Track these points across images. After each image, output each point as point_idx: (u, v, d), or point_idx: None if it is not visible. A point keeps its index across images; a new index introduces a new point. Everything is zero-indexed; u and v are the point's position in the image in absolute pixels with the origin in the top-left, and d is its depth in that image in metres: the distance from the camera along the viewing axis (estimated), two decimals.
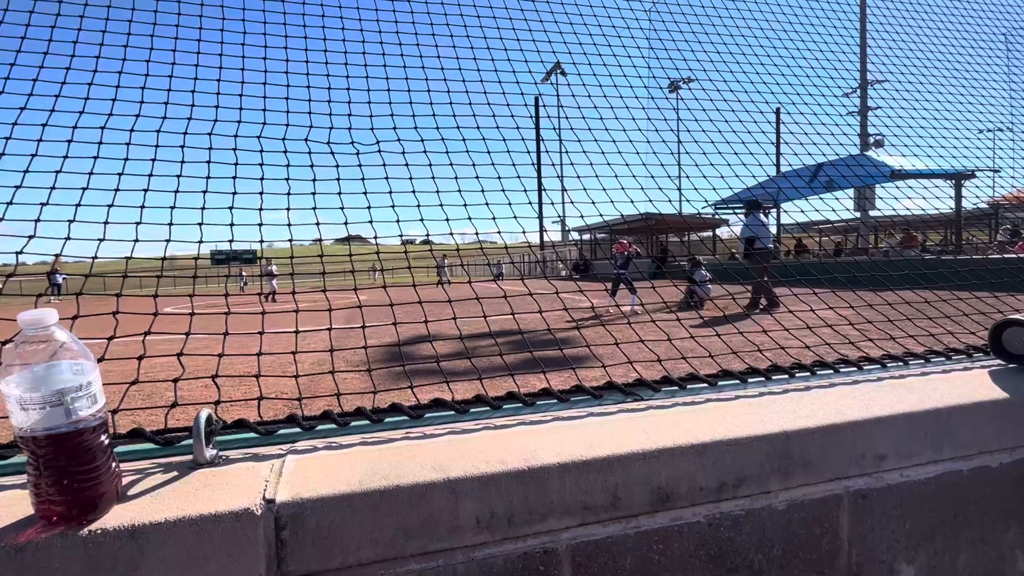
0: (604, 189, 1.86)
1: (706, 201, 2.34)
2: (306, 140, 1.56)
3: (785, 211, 2.66)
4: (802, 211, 2.47)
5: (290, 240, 1.41)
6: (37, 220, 1.17)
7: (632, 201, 1.93)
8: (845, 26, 3.27)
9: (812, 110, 2.75)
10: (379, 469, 0.81)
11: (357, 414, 1.02)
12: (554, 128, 2.29)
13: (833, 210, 2.50)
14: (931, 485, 1.06)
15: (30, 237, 1.13)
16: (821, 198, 2.59)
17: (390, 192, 1.53)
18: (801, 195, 2.73)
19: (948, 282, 1.99)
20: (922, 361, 1.40)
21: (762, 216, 8.41)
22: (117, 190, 1.29)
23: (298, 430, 0.98)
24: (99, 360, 0.75)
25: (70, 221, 1.21)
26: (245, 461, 0.86)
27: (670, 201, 2.14)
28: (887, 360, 1.39)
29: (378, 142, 1.62)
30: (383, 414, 1.04)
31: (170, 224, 1.30)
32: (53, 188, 1.23)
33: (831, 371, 1.32)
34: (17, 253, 1.09)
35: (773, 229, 9.79)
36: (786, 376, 1.28)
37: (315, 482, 0.77)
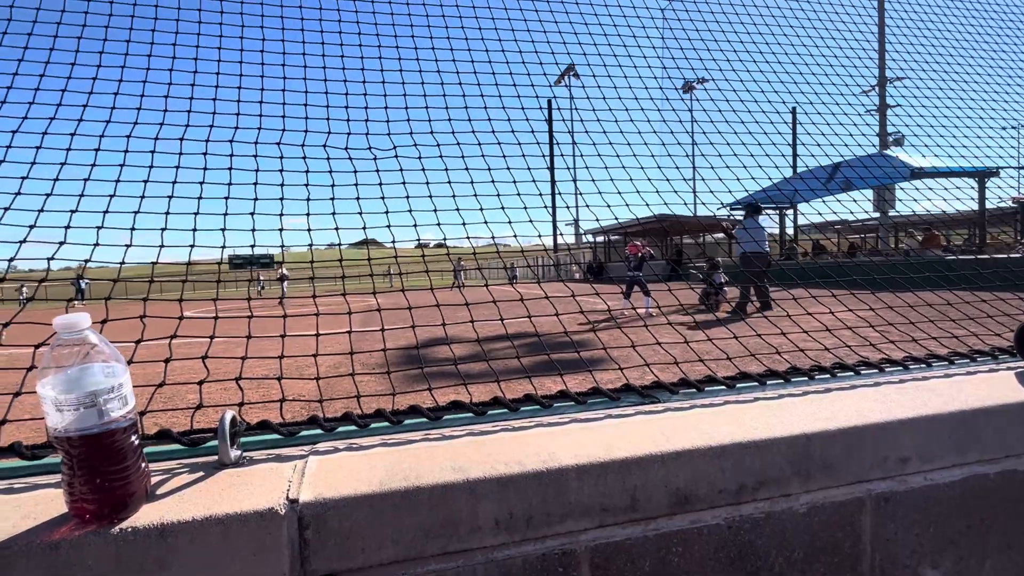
0: (619, 193, 1.86)
1: (721, 204, 2.32)
2: (324, 146, 1.59)
3: (802, 213, 2.63)
4: (819, 213, 2.44)
5: (310, 246, 1.43)
6: (67, 227, 1.21)
7: (647, 205, 1.93)
8: (866, 21, 3.23)
9: (829, 109, 2.71)
10: (399, 470, 0.82)
11: (377, 416, 1.04)
12: (568, 132, 2.29)
13: (851, 212, 2.47)
14: (956, 488, 1.04)
15: (60, 243, 1.17)
16: (838, 199, 2.56)
17: (407, 197, 1.55)
18: (817, 196, 2.70)
19: (971, 283, 1.95)
20: (946, 363, 1.38)
21: (760, 220, 8.32)
22: (143, 197, 1.34)
23: (319, 431, 0.99)
24: (128, 363, 0.77)
25: (98, 228, 1.25)
26: (268, 462, 0.88)
27: (686, 204, 2.12)
28: (909, 362, 1.37)
29: (395, 147, 1.64)
30: (402, 416, 1.05)
31: (194, 230, 1.33)
32: (82, 196, 1.28)
33: (851, 373, 1.30)
34: (48, 259, 1.13)
35: (772, 231, 9.69)
36: (805, 378, 1.27)
37: (337, 482, 0.79)
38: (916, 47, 3.16)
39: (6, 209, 1.22)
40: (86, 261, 1.18)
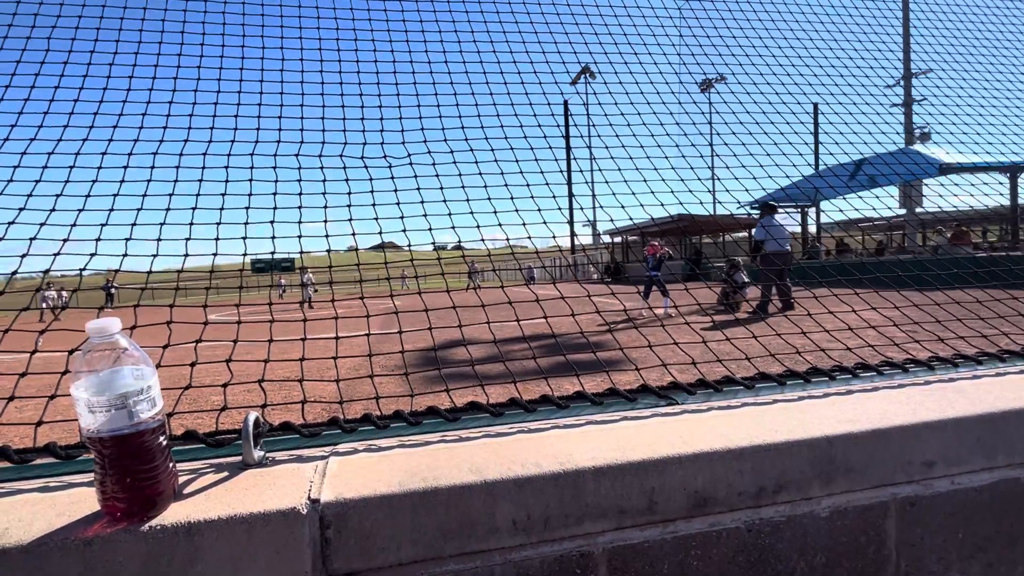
0: (633, 194, 1.85)
1: (739, 203, 2.29)
2: (341, 156, 1.64)
3: (824, 211, 2.58)
4: (840, 210, 2.39)
5: (328, 251, 1.47)
6: (97, 240, 1.28)
7: (662, 205, 1.92)
8: (891, 7, 3.15)
9: (852, 100, 2.65)
10: (418, 471, 0.83)
11: (396, 417, 1.05)
12: (580, 132, 2.29)
13: (874, 208, 2.40)
14: (985, 493, 1.01)
15: (92, 255, 1.24)
16: (861, 197, 2.50)
17: (422, 202, 1.58)
18: (846, 189, 2.64)
19: (1002, 281, 1.90)
20: (973, 363, 1.34)
21: (777, 218, 8.20)
22: (168, 209, 1.42)
23: (340, 432, 1.01)
24: (156, 367, 0.79)
25: (127, 239, 1.33)
26: (290, 462, 0.90)
27: (704, 203, 2.09)
28: (935, 362, 1.34)
29: (409, 155, 1.68)
30: (420, 417, 1.06)
31: (216, 239, 1.39)
32: (111, 210, 1.36)
33: (874, 374, 1.28)
34: (80, 270, 1.19)
35: (791, 230, 9.49)
36: (826, 379, 1.25)
37: (357, 483, 0.80)
38: (943, 35, 3.07)
39: (42, 224, 1.30)
40: (116, 271, 1.24)
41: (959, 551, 1.00)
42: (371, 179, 1.62)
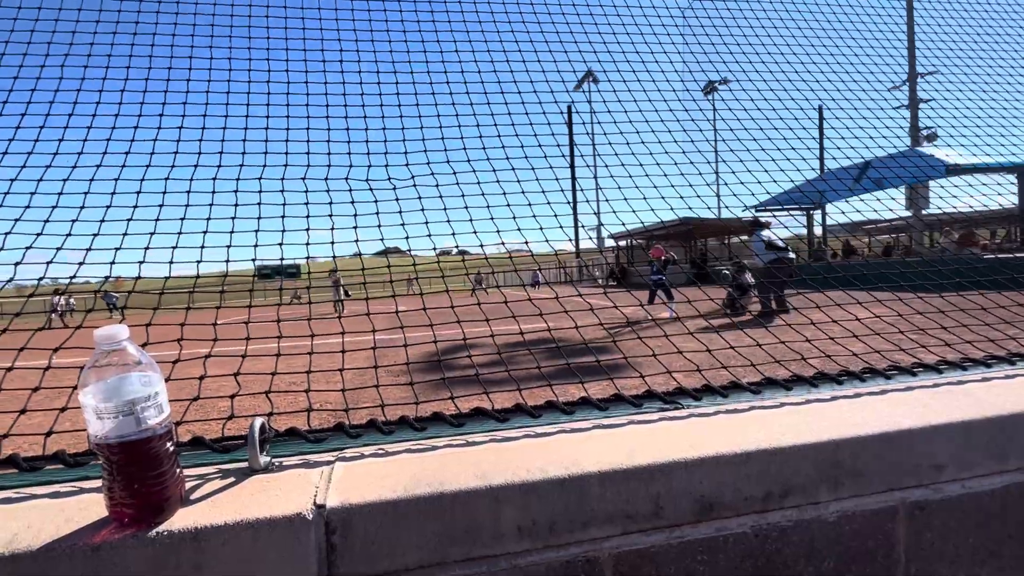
0: (629, 204, 1.86)
1: (746, 204, 2.29)
2: (346, 179, 1.69)
3: (834, 211, 2.56)
4: (843, 213, 2.38)
5: (335, 270, 1.49)
6: (113, 262, 1.34)
7: (661, 220, 1.92)
8: (893, 9, 3.15)
9: (853, 106, 2.64)
10: (423, 476, 0.83)
11: (401, 423, 1.05)
12: (584, 136, 2.30)
13: (876, 212, 2.40)
14: (996, 497, 1.00)
15: (107, 278, 1.27)
16: (863, 200, 2.49)
17: (426, 222, 1.62)
18: (851, 193, 2.63)
19: (1008, 286, 1.88)
20: (983, 366, 1.33)
21: (764, 233, 8.26)
22: (180, 233, 1.47)
23: (346, 438, 1.01)
24: (166, 380, 0.80)
25: (141, 262, 1.39)
26: (296, 468, 0.90)
27: (710, 208, 2.08)
28: (943, 366, 1.33)
29: (413, 176, 1.71)
30: (426, 423, 1.06)
31: (227, 261, 1.44)
32: (126, 235, 1.42)
33: (882, 377, 1.27)
34: (95, 292, 1.23)
35: (788, 233, 9.52)
36: (833, 383, 1.24)
37: (363, 488, 0.80)
38: (949, 35, 3.07)
39: (58, 249, 1.36)
40: (134, 285, 1.28)
41: (970, 556, 0.99)
42: (376, 200, 1.67)
